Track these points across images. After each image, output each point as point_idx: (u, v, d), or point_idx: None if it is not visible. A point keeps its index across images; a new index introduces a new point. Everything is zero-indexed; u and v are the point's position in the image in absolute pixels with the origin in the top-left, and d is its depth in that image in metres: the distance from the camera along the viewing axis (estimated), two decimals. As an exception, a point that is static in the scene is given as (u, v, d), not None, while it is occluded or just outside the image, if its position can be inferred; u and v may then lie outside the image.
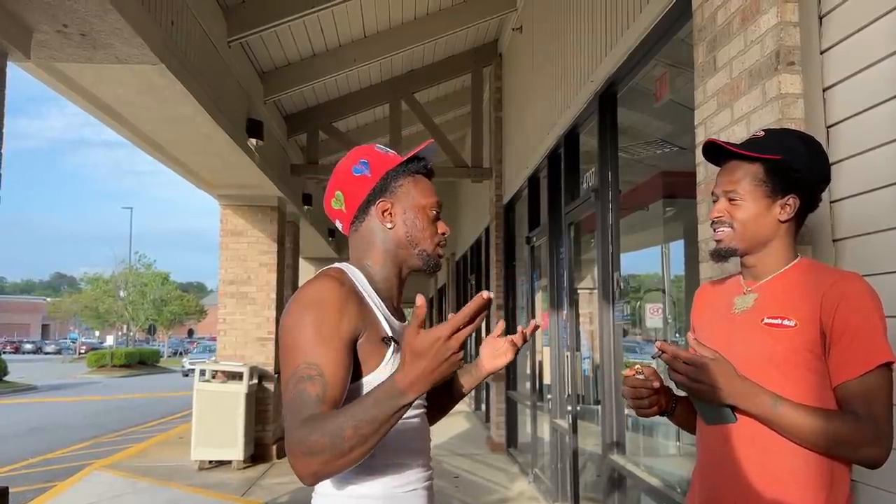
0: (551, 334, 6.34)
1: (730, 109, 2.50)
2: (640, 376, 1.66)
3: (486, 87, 9.69)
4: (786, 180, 1.56)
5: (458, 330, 1.18)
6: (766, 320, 1.54)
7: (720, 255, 1.65)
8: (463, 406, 14.01)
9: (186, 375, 26.13)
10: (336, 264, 1.55)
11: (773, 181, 1.56)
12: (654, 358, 1.56)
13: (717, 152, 1.66)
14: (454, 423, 11.37)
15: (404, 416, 1.27)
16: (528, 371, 7.85)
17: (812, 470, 1.48)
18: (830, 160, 2.07)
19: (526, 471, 7.46)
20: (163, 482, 7.34)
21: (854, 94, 2.01)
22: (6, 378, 23.86)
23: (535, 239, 7.52)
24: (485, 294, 1.22)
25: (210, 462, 8.00)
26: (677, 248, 5.18)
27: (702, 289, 1.86)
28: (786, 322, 1.51)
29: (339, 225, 1.61)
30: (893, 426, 1.45)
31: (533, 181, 7.47)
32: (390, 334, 1.46)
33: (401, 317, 1.59)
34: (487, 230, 9.77)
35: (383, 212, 1.55)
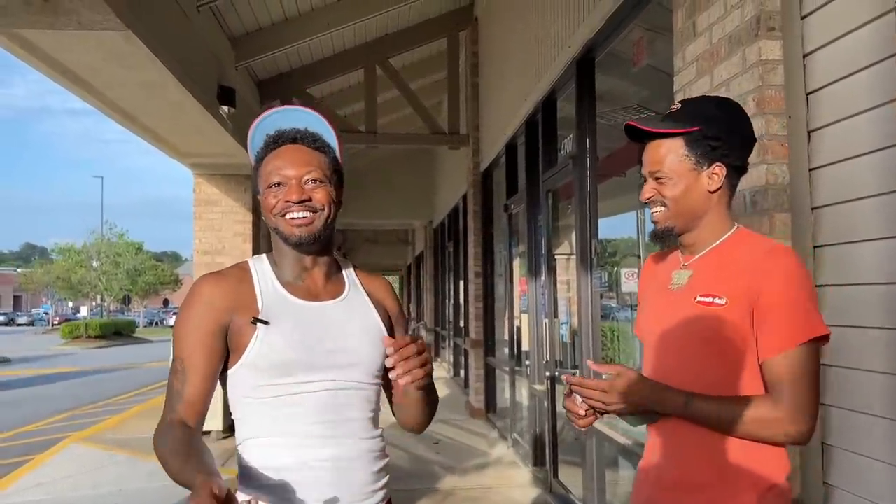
0: (529, 301, 6.36)
1: (709, 76, 2.48)
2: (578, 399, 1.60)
3: (462, 52, 9.56)
4: (708, 150, 1.53)
5: None
6: (699, 298, 1.53)
7: (658, 236, 1.62)
8: (442, 372, 14.11)
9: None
10: (250, 258, 1.65)
11: (696, 153, 1.53)
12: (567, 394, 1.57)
13: (639, 133, 1.61)
14: (433, 390, 11.44)
15: (295, 391, 1.47)
16: (507, 337, 7.89)
17: (749, 446, 1.48)
18: (810, 127, 2.07)
19: (505, 435, 7.54)
20: (141, 454, 7.32)
21: (835, 61, 1.99)
22: (-22, 351, 23.52)
23: (512, 206, 7.50)
24: None
25: (189, 433, 7.98)
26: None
27: (646, 262, 1.84)
28: (717, 300, 1.50)
29: None
30: (816, 401, 1.43)
31: (510, 148, 7.42)
32: (260, 316, 1.49)
33: (330, 293, 1.59)
34: (465, 197, 9.72)
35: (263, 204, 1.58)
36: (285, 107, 1.60)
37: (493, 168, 8.58)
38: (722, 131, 1.52)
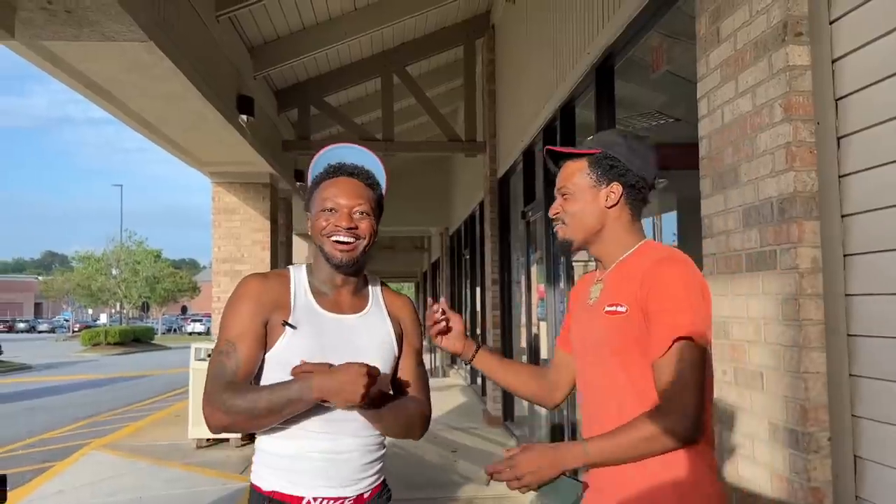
0: (547, 309, 6.33)
1: (734, 82, 2.45)
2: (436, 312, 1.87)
3: (479, 59, 9.57)
4: (608, 170, 1.69)
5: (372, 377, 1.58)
6: (607, 308, 1.64)
7: (561, 249, 1.77)
8: (458, 380, 14.07)
9: None
10: (292, 265, 1.87)
11: (597, 172, 1.70)
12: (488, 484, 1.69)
13: (554, 156, 1.80)
14: (450, 398, 11.42)
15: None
16: (525, 345, 7.86)
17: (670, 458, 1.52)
18: (840, 133, 2.04)
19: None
20: (161, 461, 7.35)
21: (865, 66, 1.95)
22: (0, 358, 23.79)
23: (530, 213, 7.48)
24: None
25: (207, 440, 8.01)
26: (669, 219, 5.16)
27: (577, 282, 1.95)
28: (619, 308, 1.60)
29: None
30: (693, 399, 1.49)
31: (528, 155, 7.40)
32: (290, 321, 1.71)
33: (353, 307, 1.81)
34: (482, 204, 9.71)
35: (309, 220, 1.82)
36: (349, 144, 1.87)
37: (510, 175, 8.57)
38: (620, 154, 1.69)
